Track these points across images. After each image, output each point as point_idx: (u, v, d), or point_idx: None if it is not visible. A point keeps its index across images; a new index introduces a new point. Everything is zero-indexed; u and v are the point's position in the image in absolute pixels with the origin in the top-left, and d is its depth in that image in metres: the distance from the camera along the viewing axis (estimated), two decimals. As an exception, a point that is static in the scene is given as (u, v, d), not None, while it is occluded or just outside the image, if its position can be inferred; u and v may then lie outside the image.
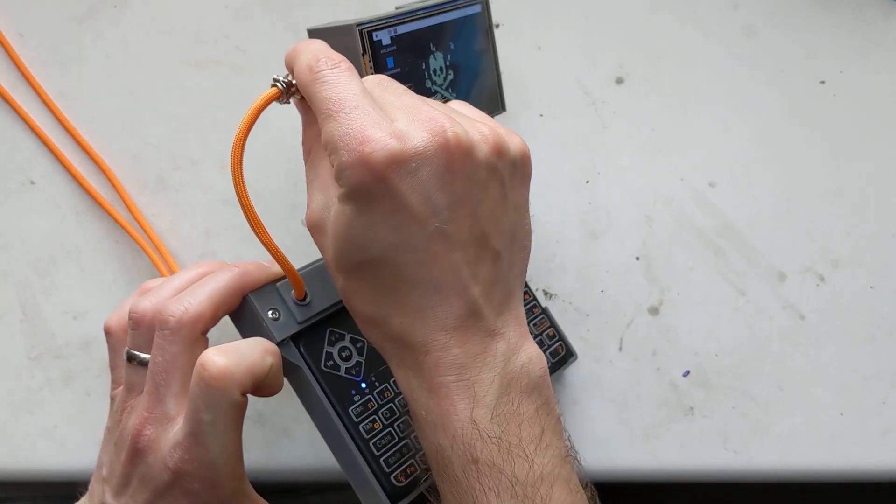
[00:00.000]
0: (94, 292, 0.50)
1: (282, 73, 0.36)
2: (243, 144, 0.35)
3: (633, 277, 0.51)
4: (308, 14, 0.53)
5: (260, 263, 0.40)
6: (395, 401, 0.41)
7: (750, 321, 0.50)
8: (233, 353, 0.34)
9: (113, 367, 0.40)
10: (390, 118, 0.33)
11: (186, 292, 0.37)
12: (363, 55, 0.39)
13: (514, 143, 0.35)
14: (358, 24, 0.39)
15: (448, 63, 0.43)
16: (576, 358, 0.48)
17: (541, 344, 0.47)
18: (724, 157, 0.53)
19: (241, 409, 0.35)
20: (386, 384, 0.41)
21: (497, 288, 0.35)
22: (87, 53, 0.53)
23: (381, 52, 0.40)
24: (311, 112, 0.36)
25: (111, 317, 0.40)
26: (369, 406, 0.40)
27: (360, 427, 0.40)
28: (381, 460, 0.39)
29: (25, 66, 0.52)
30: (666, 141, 0.53)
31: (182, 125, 0.52)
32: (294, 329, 0.39)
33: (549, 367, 0.45)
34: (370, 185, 0.32)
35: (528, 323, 0.46)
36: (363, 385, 0.40)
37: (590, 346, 0.50)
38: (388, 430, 0.40)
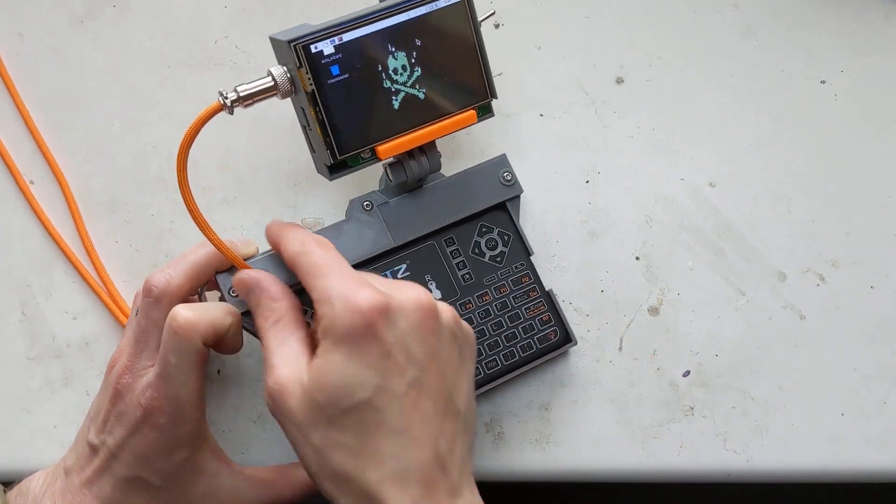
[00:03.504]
0: (94, 292, 0.50)
1: (227, 89, 0.40)
2: (187, 151, 0.40)
3: (633, 277, 0.51)
4: (308, 14, 0.53)
5: (233, 242, 0.44)
6: None
7: (750, 321, 0.50)
8: (198, 309, 0.40)
9: (127, 323, 0.45)
10: (371, 284, 0.38)
11: (170, 265, 0.43)
12: (300, 69, 0.41)
13: (466, 325, 0.41)
14: (292, 40, 0.40)
15: (414, 60, 0.43)
16: (574, 344, 0.48)
17: (529, 328, 0.47)
18: (724, 157, 0.53)
19: (202, 355, 0.41)
20: None
21: (457, 445, 0.38)
22: (87, 53, 0.53)
23: (323, 62, 0.41)
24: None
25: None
26: None
27: None
28: None
29: (8, 72, 0.52)
30: (666, 141, 0.53)
31: (182, 125, 0.52)
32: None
33: (534, 352, 0.47)
34: (360, 331, 0.35)
35: (521, 307, 0.47)
36: None
37: (590, 346, 0.50)
38: None
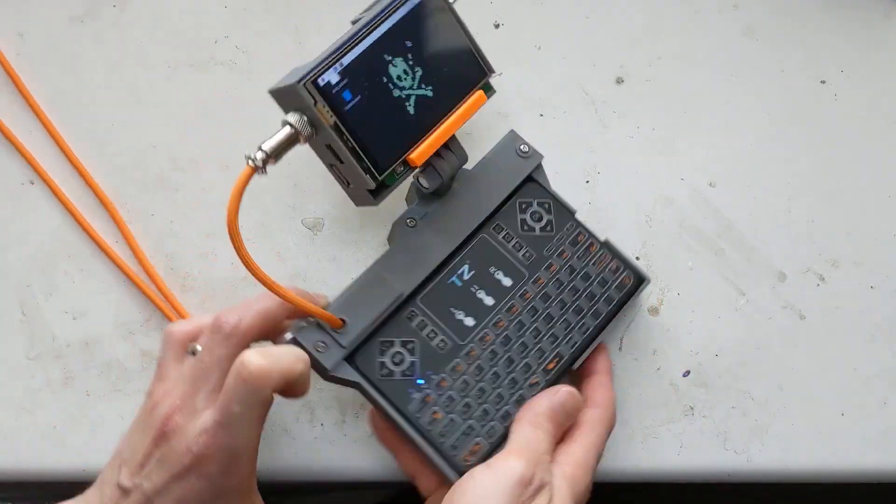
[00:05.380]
0: (94, 292, 0.50)
1: (251, 151, 0.39)
2: (236, 220, 0.38)
3: (633, 277, 0.51)
4: (308, 14, 0.53)
5: (302, 291, 0.44)
6: (453, 389, 0.44)
7: (750, 321, 0.50)
8: (270, 356, 0.38)
9: (161, 363, 0.42)
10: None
11: (242, 306, 0.41)
12: (316, 105, 0.40)
13: None
14: (299, 80, 0.40)
15: (412, 62, 0.43)
16: (649, 282, 0.48)
17: (603, 282, 0.47)
18: (724, 157, 0.53)
19: (267, 405, 0.39)
20: (443, 374, 0.44)
21: None
22: (87, 53, 0.53)
23: (334, 91, 0.41)
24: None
25: (177, 322, 0.43)
26: (427, 400, 0.44)
27: (421, 420, 0.43)
28: (448, 444, 0.43)
29: (15, 70, 0.52)
30: (666, 141, 0.53)
31: (182, 125, 0.52)
32: (341, 354, 0.43)
33: (617, 301, 0.47)
34: None
35: (588, 265, 0.47)
36: (420, 381, 0.44)
37: (590, 346, 0.50)
38: (450, 416, 0.43)
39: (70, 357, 0.49)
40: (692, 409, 0.49)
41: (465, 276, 0.46)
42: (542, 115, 0.53)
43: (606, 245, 0.48)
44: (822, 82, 0.54)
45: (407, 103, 0.43)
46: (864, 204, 0.52)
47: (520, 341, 0.45)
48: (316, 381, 0.47)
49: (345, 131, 0.41)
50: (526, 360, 0.45)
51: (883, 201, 0.52)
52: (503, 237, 0.47)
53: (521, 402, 0.44)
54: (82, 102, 0.52)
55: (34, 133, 0.52)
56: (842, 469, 0.49)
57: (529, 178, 0.48)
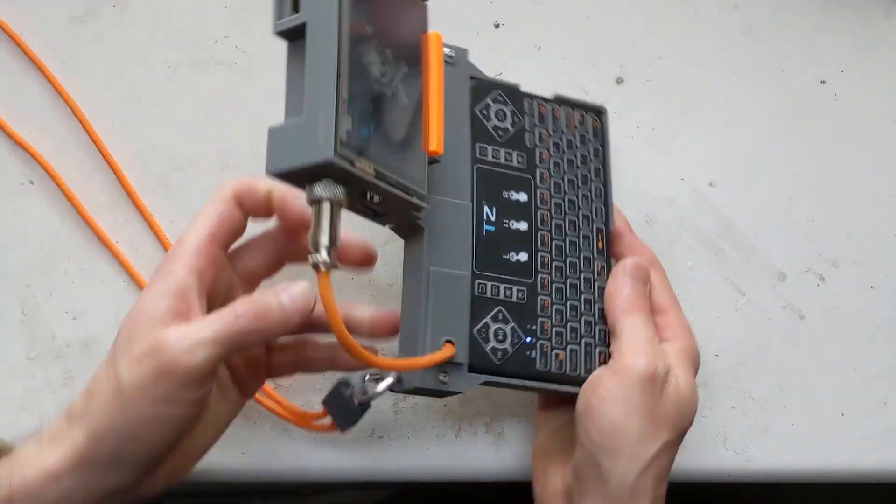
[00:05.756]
0: (94, 292, 0.50)
1: (312, 256, 0.35)
2: (344, 329, 0.35)
3: (633, 277, 0.51)
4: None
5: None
6: (554, 324, 0.44)
7: (750, 321, 0.50)
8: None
9: None
10: None
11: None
12: (355, 165, 0.35)
13: None
14: (332, 148, 0.34)
15: (379, 46, 0.38)
16: (605, 109, 0.48)
17: (583, 140, 0.47)
18: (724, 157, 0.53)
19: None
20: (540, 318, 0.44)
21: None
22: (87, 53, 0.53)
23: (357, 136, 0.35)
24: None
25: None
26: (544, 348, 0.43)
27: (551, 370, 0.43)
28: (583, 373, 0.43)
29: (42, 62, 0.52)
30: (666, 141, 0.53)
31: (182, 125, 0.52)
32: (463, 372, 0.41)
33: (601, 148, 0.48)
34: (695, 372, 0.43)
35: (561, 128, 0.47)
36: (528, 339, 0.43)
37: (590, 346, 0.50)
38: (569, 348, 0.44)
39: (70, 357, 0.49)
40: (692, 409, 0.49)
41: (492, 217, 0.44)
42: (542, 115, 0.53)
43: (559, 100, 0.47)
44: (822, 82, 0.54)
45: (402, 95, 0.39)
46: (864, 204, 0.52)
47: (568, 241, 0.45)
48: (312, 380, 0.47)
49: (385, 171, 0.37)
50: (583, 253, 0.45)
51: (883, 201, 0.52)
52: (492, 155, 0.45)
53: (602, 292, 0.45)
54: (82, 102, 0.52)
55: (38, 129, 0.52)
56: (842, 469, 0.49)
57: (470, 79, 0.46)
